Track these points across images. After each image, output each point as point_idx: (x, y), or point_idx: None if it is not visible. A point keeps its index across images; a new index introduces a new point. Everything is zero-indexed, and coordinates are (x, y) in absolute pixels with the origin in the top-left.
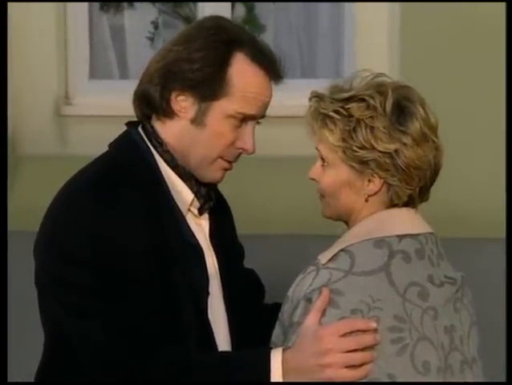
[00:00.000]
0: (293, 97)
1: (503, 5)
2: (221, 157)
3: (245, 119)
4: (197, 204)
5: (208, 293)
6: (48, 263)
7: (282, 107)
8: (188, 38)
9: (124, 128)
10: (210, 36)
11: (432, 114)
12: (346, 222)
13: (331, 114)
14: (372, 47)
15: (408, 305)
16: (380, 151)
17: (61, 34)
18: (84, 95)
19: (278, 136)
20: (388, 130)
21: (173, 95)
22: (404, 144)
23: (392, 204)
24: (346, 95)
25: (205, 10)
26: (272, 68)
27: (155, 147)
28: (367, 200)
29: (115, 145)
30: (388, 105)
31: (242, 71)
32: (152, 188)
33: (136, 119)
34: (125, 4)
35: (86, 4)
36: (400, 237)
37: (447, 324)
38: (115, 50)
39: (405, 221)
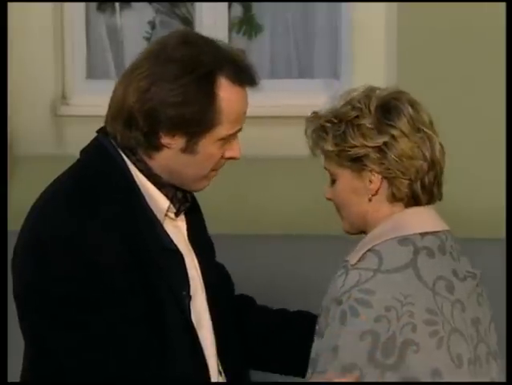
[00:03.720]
0: (290, 97)
1: (502, 4)
2: (212, 170)
3: (233, 134)
4: (173, 209)
5: (190, 297)
6: (27, 277)
7: (279, 108)
8: (163, 74)
9: None
10: (188, 69)
11: (424, 113)
12: (364, 232)
13: (323, 123)
14: (370, 47)
15: (438, 298)
16: (370, 146)
17: (58, 34)
18: (81, 95)
19: (276, 137)
20: (375, 125)
21: (161, 135)
22: (393, 136)
23: (395, 200)
24: (338, 106)
25: (202, 10)
26: (250, 80)
27: (128, 156)
28: (370, 200)
29: (87, 154)
30: (373, 105)
31: (228, 97)
32: (128, 197)
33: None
34: (122, 4)
35: (83, 4)
36: (422, 234)
37: (473, 316)
38: (112, 51)
39: (424, 220)
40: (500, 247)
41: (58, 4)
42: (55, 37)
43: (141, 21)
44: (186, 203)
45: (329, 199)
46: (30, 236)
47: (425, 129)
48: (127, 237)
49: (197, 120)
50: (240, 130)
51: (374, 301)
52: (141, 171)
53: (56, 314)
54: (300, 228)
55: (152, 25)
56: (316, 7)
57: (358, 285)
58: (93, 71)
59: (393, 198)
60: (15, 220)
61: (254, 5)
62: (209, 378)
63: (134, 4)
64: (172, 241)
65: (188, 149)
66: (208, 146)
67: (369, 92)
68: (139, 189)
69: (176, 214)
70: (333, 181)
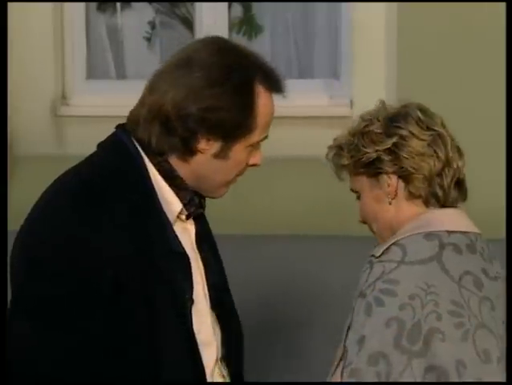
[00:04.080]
0: (290, 98)
1: (502, 5)
2: (236, 176)
3: (260, 141)
4: (185, 212)
5: (192, 301)
6: (21, 277)
7: (280, 108)
8: (202, 80)
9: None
10: (227, 76)
11: (436, 116)
12: None
13: (339, 143)
14: (370, 47)
15: (464, 291)
16: (382, 150)
17: (58, 35)
18: (81, 96)
19: (276, 137)
20: (383, 129)
21: (200, 138)
22: (402, 136)
23: (414, 197)
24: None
25: (202, 10)
26: (281, 88)
27: (148, 156)
28: (390, 204)
29: (104, 150)
30: (382, 115)
31: (264, 103)
32: (140, 197)
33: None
34: (122, 4)
35: (83, 4)
36: (449, 232)
37: (503, 318)
38: (112, 51)
39: (453, 219)
40: (500, 247)
41: (58, 4)
42: (55, 37)
43: (141, 21)
44: (200, 209)
45: (363, 222)
46: (29, 235)
47: (436, 128)
48: (133, 238)
49: (236, 125)
50: (267, 137)
51: (398, 290)
52: (161, 172)
53: (45, 316)
54: (304, 229)
55: (152, 25)
56: (316, 7)
57: (382, 276)
58: (93, 71)
59: (411, 196)
60: (15, 221)
61: (254, 5)
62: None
63: (134, 4)
64: (180, 243)
65: (221, 154)
66: (239, 152)
67: (380, 106)
68: (153, 189)
69: (187, 217)
70: (358, 198)
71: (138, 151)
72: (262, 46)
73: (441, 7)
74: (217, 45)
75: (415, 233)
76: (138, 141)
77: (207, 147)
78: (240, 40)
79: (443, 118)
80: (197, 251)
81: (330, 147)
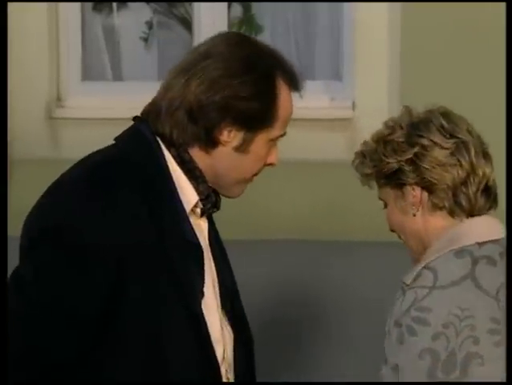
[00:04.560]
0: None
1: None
2: (252, 175)
3: (279, 137)
4: (200, 205)
5: (203, 294)
6: (24, 238)
7: None
8: (227, 69)
9: (118, 131)
10: (250, 67)
11: (461, 121)
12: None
13: (362, 149)
14: (372, 48)
15: (502, 306)
16: (403, 160)
17: (53, 35)
18: (77, 97)
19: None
20: (405, 138)
21: (223, 129)
22: (423, 146)
23: (438, 209)
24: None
25: (200, 10)
26: (300, 86)
27: (167, 147)
28: (415, 215)
29: (123, 138)
30: (405, 121)
31: (284, 98)
32: (158, 183)
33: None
34: (118, 4)
35: (78, 4)
36: (480, 244)
37: None
38: (108, 51)
39: (482, 229)
40: None
41: (52, 4)
42: (50, 37)
43: (138, 21)
44: (215, 208)
45: (393, 231)
46: (34, 222)
47: (460, 135)
48: (145, 226)
49: (261, 116)
50: (285, 134)
51: (431, 319)
52: (180, 163)
53: (41, 301)
54: (302, 234)
55: (150, 25)
56: (317, 7)
57: (414, 304)
58: (89, 73)
59: (435, 207)
60: (11, 224)
61: (254, 5)
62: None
63: (131, 4)
64: (195, 234)
65: (242, 147)
66: (260, 146)
67: (404, 111)
68: (171, 178)
69: (202, 214)
70: (385, 207)
71: (157, 141)
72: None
73: (446, 7)
74: (235, 38)
75: (445, 251)
76: (158, 134)
77: (229, 140)
78: None
79: None
80: (209, 248)
81: (356, 154)
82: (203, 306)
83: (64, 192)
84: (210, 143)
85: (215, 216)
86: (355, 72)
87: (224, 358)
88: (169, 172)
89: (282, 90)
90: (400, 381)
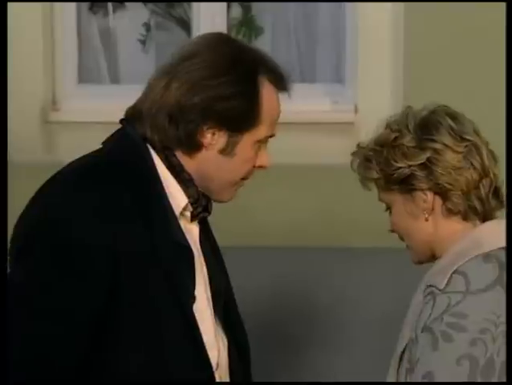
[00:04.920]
0: (291, 103)
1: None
2: (243, 178)
3: (267, 138)
4: (190, 208)
5: (194, 298)
6: (13, 238)
7: (281, 113)
8: (208, 69)
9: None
10: (232, 65)
11: (467, 122)
12: (434, 256)
13: (366, 153)
14: (375, 50)
15: (502, 319)
16: (415, 165)
17: (47, 36)
18: (73, 101)
19: (275, 144)
20: (416, 143)
21: (206, 131)
22: (435, 150)
23: (452, 214)
24: (378, 132)
25: (199, 11)
26: (286, 86)
27: (156, 152)
28: (427, 220)
29: (111, 141)
30: (411, 124)
31: (269, 97)
32: (147, 185)
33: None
34: (115, 5)
35: (74, 4)
36: (502, 249)
37: None
38: (104, 54)
39: (501, 233)
40: None
41: (47, 4)
42: (45, 39)
43: (135, 22)
44: (206, 212)
45: (393, 231)
46: (23, 226)
47: (469, 137)
48: (136, 225)
49: (243, 116)
50: (274, 135)
51: (467, 325)
52: (168, 166)
53: (30, 303)
54: (304, 241)
55: (147, 27)
56: (319, 8)
57: (449, 309)
58: (85, 75)
59: (450, 212)
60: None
61: (254, 6)
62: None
63: (128, 5)
64: (184, 236)
65: (227, 150)
66: (246, 148)
67: (406, 112)
68: (160, 181)
69: (192, 218)
70: (389, 210)
71: (145, 144)
72: (262, 48)
73: (451, 7)
74: (216, 39)
75: (472, 256)
76: (144, 138)
77: (212, 142)
78: None
79: None
80: (200, 252)
81: (354, 156)
82: (195, 311)
83: (52, 193)
84: (193, 146)
85: (213, 222)
86: (357, 75)
87: (218, 363)
88: (158, 175)
89: (266, 89)
90: None
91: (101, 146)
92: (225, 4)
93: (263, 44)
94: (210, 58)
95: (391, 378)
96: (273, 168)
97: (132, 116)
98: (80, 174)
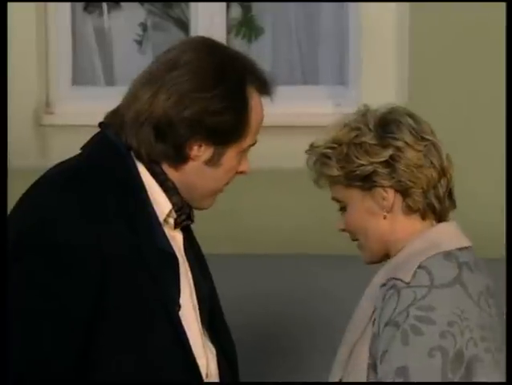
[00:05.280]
0: (293, 105)
1: None
2: (224, 185)
3: (250, 147)
4: (174, 214)
5: (179, 307)
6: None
7: (282, 116)
8: (196, 81)
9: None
10: (221, 78)
11: (424, 122)
12: (388, 255)
13: (323, 151)
14: (380, 50)
15: (483, 314)
16: (377, 162)
17: (41, 37)
18: (67, 103)
19: (277, 148)
20: (378, 140)
21: (193, 144)
22: (398, 148)
23: (412, 212)
24: (333, 132)
25: (198, 11)
26: (272, 91)
27: (139, 160)
28: (385, 218)
29: (92, 146)
30: (371, 122)
31: (256, 108)
32: (130, 191)
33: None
34: (111, 4)
35: (68, 4)
36: (460, 249)
37: (504, 333)
38: (100, 55)
39: (457, 235)
40: (499, 267)
41: (41, 4)
42: (38, 39)
43: (132, 22)
44: (189, 220)
45: (343, 230)
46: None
47: (429, 137)
48: (123, 228)
49: (233, 129)
50: (256, 142)
51: (436, 317)
52: (152, 174)
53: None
54: (298, 247)
55: (144, 27)
56: (321, 7)
57: (415, 303)
58: (79, 77)
59: (409, 210)
60: None
61: (254, 5)
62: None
63: (124, 4)
64: (169, 243)
65: (213, 161)
66: (231, 158)
67: (364, 112)
68: (143, 187)
69: (175, 226)
70: (343, 209)
71: (128, 151)
72: (262, 49)
73: (457, 7)
74: (204, 45)
75: (434, 253)
76: (125, 144)
77: (199, 154)
78: (239, 43)
79: (460, 127)
80: (185, 259)
81: (309, 154)
82: (181, 320)
83: (38, 194)
84: (180, 159)
85: (210, 229)
86: (361, 77)
87: (208, 373)
88: (142, 181)
89: (254, 100)
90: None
91: (81, 151)
92: (224, 3)
93: (264, 45)
94: (197, 69)
95: (335, 377)
96: (275, 172)
97: (114, 122)
98: (65, 176)
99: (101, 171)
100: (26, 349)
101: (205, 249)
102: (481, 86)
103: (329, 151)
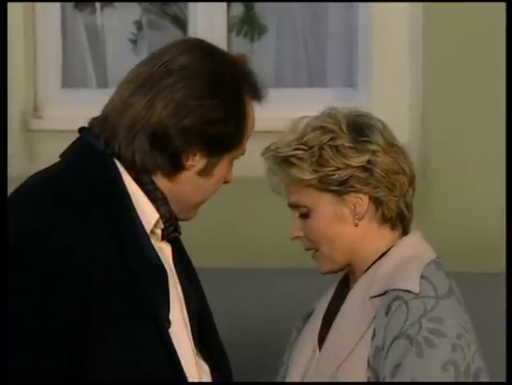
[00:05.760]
0: (298, 109)
1: None
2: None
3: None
4: (161, 225)
5: (169, 324)
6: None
7: (286, 121)
8: (194, 88)
9: None
10: (219, 85)
11: (387, 127)
12: (349, 265)
13: (292, 152)
14: (391, 51)
15: (468, 326)
16: (355, 166)
17: (29, 36)
18: (56, 107)
19: None
20: (354, 144)
21: (188, 155)
22: (374, 152)
23: (384, 221)
24: (297, 133)
25: (196, 9)
26: (263, 96)
27: (126, 170)
28: (356, 226)
29: (73, 153)
30: (344, 124)
31: (252, 116)
32: (115, 201)
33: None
34: (103, 1)
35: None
36: (436, 260)
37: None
38: (91, 55)
39: (426, 246)
40: (499, 282)
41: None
42: (26, 39)
43: (126, 20)
44: (176, 232)
45: (298, 237)
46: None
47: (396, 143)
48: (109, 241)
49: (232, 139)
50: (245, 151)
51: (445, 330)
52: (140, 184)
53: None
54: (298, 262)
55: (139, 25)
56: (329, 5)
57: (426, 314)
58: (70, 79)
59: (382, 219)
60: None
61: (257, 3)
62: None
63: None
64: (157, 254)
65: (206, 171)
66: (223, 168)
67: (332, 113)
68: (128, 196)
69: (162, 237)
70: (305, 216)
71: (112, 159)
72: (265, 49)
73: (472, 6)
74: (198, 49)
75: (427, 261)
76: (114, 154)
77: (193, 164)
78: (240, 43)
79: (475, 128)
80: (174, 272)
81: (270, 157)
82: (172, 337)
83: (19, 207)
84: (175, 169)
85: (206, 242)
86: (371, 79)
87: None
88: (127, 191)
89: (250, 108)
90: None
91: (60, 158)
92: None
93: (267, 44)
94: (194, 75)
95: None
96: None
97: (103, 131)
98: (46, 187)
99: (86, 180)
100: (19, 354)
101: (196, 262)
102: (492, 86)
103: (299, 152)
